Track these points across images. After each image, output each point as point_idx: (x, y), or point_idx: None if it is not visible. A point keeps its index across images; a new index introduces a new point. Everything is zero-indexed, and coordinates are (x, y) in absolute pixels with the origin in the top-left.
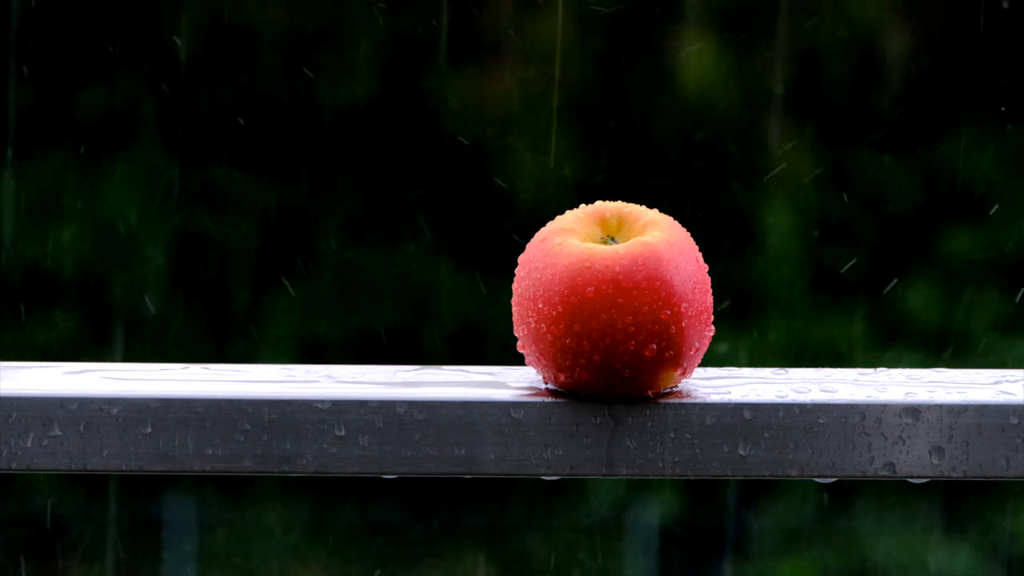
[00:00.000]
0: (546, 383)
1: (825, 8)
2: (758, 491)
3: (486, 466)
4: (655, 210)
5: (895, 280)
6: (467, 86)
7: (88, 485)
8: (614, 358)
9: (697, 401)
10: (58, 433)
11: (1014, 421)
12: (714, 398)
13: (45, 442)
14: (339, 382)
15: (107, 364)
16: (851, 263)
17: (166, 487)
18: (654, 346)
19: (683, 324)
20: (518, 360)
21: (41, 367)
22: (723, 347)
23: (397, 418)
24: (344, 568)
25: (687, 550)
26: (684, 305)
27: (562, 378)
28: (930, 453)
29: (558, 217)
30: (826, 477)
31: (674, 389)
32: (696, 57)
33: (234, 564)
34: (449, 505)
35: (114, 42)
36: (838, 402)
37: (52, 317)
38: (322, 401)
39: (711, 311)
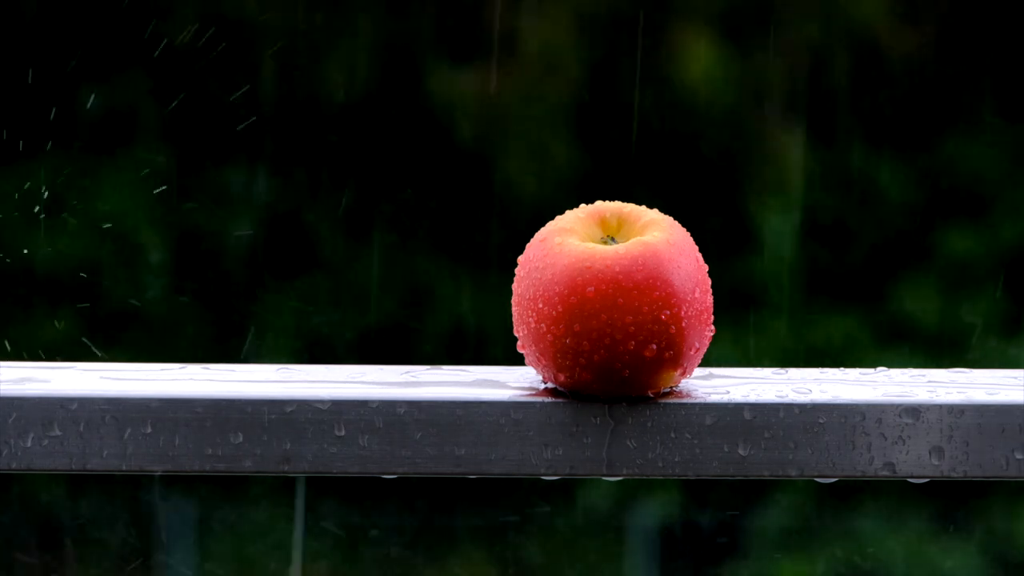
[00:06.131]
0: (546, 383)
1: (825, 7)
2: (757, 491)
3: (486, 466)
4: (655, 210)
5: (894, 280)
6: (466, 85)
7: (88, 485)
8: (614, 358)
9: (697, 401)
10: (58, 433)
11: (1014, 421)
12: (714, 398)
13: (45, 442)
14: (339, 382)
15: (107, 364)
16: (850, 263)
17: (166, 487)
18: (654, 346)
19: (683, 324)
20: (518, 360)
21: (41, 367)
22: (723, 347)
23: (397, 418)
24: (344, 568)
25: (687, 550)
26: (684, 305)
27: (562, 378)
28: (930, 453)
29: (558, 217)
30: (826, 477)
31: (674, 389)
32: (696, 56)
33: (234, 564)
34: (449, 505)
35: (114, 42)
36: (838, 402)
37: (52, 317)
38: (322, 401)
39: (711, 311)
